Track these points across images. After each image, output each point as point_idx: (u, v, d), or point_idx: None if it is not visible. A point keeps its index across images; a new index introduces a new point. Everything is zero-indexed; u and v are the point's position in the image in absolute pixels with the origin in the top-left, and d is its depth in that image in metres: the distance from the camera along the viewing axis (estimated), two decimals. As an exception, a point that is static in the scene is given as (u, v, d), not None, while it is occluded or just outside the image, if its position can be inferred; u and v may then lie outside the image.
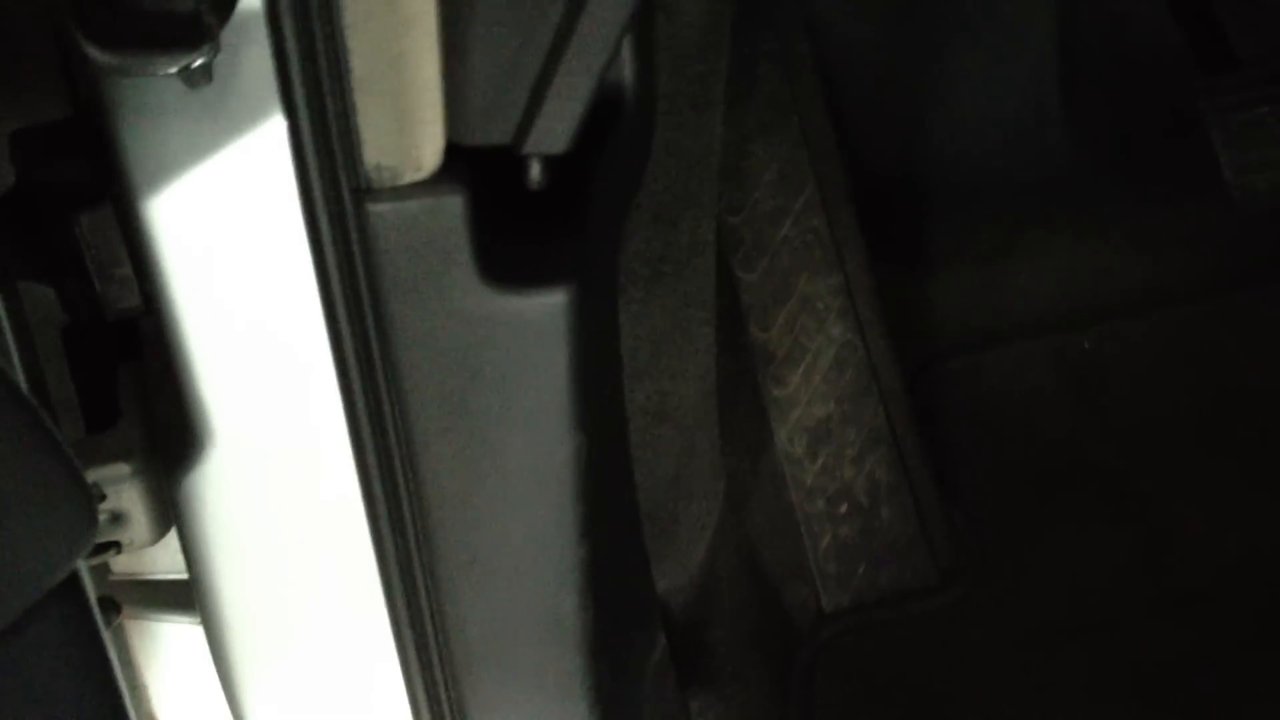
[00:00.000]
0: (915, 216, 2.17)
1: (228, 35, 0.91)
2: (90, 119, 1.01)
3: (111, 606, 1.30)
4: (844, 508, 2.00)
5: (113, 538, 1.17)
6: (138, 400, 1.18)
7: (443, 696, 1.25)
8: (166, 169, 1.00)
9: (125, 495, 1.16)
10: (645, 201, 1.57)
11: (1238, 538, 1.97)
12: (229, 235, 1.04)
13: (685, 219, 1.62)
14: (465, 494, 1.14)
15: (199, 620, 1.24)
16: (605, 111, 1.08)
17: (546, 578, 1.20)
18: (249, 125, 0.99)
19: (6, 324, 1.06)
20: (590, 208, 1.11)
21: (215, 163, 1.00)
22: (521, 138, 1.01)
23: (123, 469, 1.15)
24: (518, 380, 1.09)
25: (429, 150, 0.99)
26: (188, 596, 1.23)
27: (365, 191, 1.00)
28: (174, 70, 0.88)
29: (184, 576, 1.21)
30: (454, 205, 1.01)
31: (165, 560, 1.25)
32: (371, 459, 1.12)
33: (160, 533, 1.19)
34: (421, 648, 1.22)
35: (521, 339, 1.08)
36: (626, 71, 1.11)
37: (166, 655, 1.42)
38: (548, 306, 1.07)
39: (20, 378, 1.07)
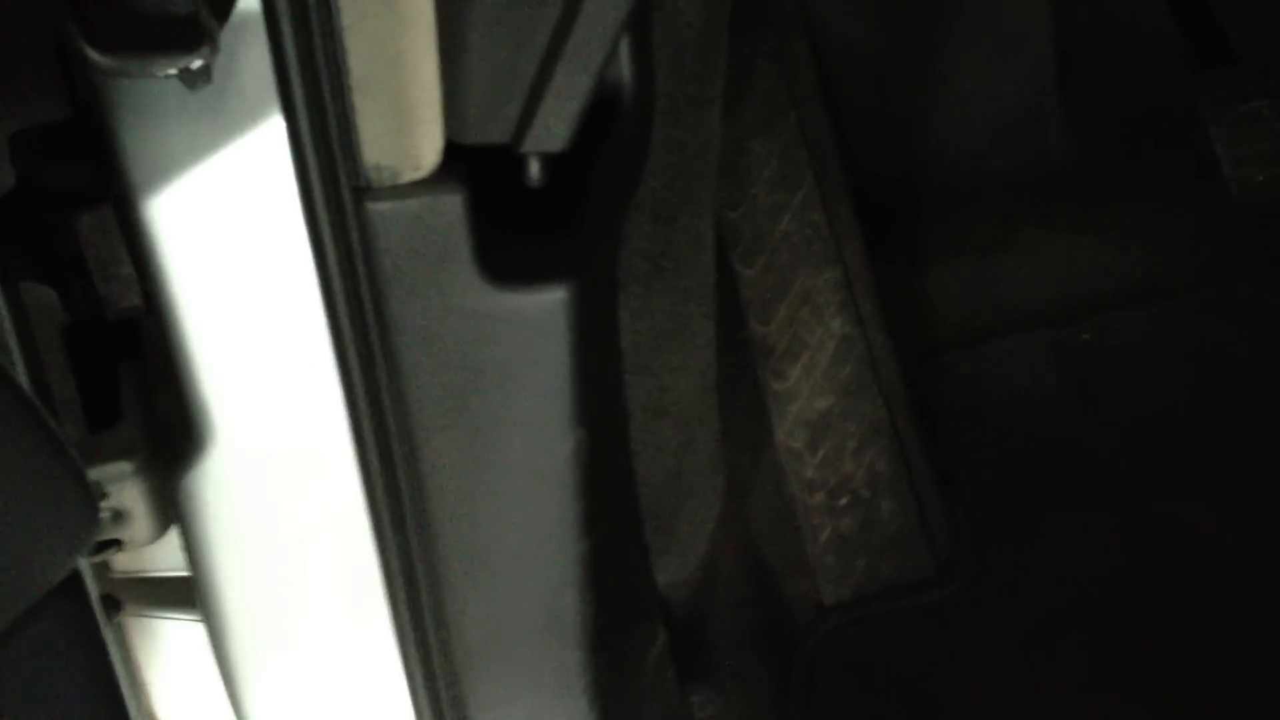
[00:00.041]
0: (914, 212, 2.16)
1: (226, 36, 0.91)
2: (90, 120, 1.01)
3: (112, 604, 1.31)
4: (844, 501, 2.00)
5: (114, 535, 1.18)
6: (139, 399, 1.18)
7: (443, 691, 1.25)
8: (166, 169, 1.00)
9: (126, 493, 1.16)
10: (645, 198, 1.58)
11: (1236, 531, 1.97)
12: (229, 235, 1.04)
13: (685, 215, 1.62)
14: (466, 490, 1.14)
15: (200, 618, 1.24)
16: (604, 110, 1.08)
17: (547, 573, 1.20)
18: (248, 125, 0.99)
19: (9, 323, 1.07)
20: (589, 205, 1.11)
21: (215, 163, 1.00)
22: (520, 136, 1.01)
23: (124, 467, 1.15)
24: (518, 377, 1.09)
25: (428, 149, 0.99)
26: (189, 594, 1.24)
27: (365, 190, 1.00)
28: (173, 71, 0.89)
29: (185, 574, 1.22)
30: (453, 204, 1.01)
31: (166, 558, 1.25)
32: (372, 456, 1.13)
33: (161, 530, 1.19)
34: (422, 643, 1.22)
35: (521, 336, 1.08)
36: (625, 70, 1.11)
37: (167, 653, 1.42)
38: (547, 304, 1.07)
39: (23, 377, 1.08)
